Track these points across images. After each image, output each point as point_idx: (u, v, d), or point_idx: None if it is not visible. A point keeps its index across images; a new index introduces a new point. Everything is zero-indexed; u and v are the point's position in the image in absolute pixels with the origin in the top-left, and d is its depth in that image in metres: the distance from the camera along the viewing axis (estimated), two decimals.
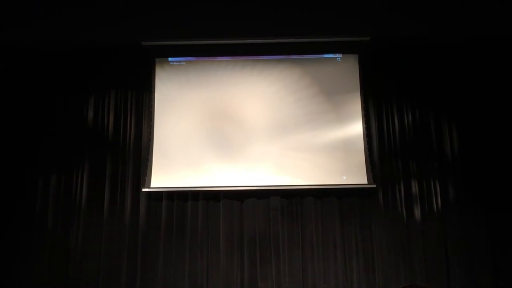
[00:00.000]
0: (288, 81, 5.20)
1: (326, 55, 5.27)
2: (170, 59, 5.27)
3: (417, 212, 4.92)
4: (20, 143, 5.06)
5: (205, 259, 4.83)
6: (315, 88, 5.19)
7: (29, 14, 4.56)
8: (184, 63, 5.28)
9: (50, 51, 5.20)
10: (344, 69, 5.23)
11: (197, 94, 5.18)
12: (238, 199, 4.98)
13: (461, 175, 4.97)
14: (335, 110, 5.14)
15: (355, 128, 5.09)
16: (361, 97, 5.13)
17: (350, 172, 4.98)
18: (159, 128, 5.10)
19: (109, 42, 5.04)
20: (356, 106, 5.13)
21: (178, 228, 4.93)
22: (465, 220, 4.86)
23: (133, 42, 5.07)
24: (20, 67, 5.17)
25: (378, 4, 4.60)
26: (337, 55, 5.27)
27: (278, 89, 5.18)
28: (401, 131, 5.13)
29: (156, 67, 5.24)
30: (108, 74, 5.25)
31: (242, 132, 5.10)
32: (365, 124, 5.09)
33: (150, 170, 4.99)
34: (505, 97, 5.05)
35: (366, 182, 4.93)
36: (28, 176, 5.03)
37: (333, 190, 4.96)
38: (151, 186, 4.95)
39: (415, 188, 4.98)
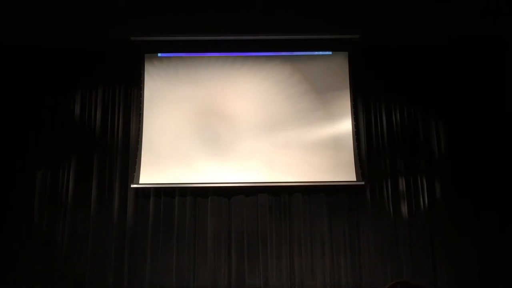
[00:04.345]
0: (278, 78, 5.20)
1: (316, 52, 5.27)
2: (159, 54, 5.25)
3: (404, 209, 4.95)
4: (7, 139, 5.01)
5: (193, 255, 4.83)
6: (305, 85, 5.19)
7: (16, 10, 4.51)
8: (174, 58, 5.25)
9: (38, 47, 5.15)
10: (334, 67, 5.24)
11: (187, 90, 5.16)
12: (226, 195, 4.97)
13: (448, 172, 5.01)
14: (325, 108, 5.15)
15: (345, 126, 5.10)
16: (350, 95, 5.15)
17: (339, 169, 4.99)
18: (148, 124, 5.07)
19: (98, 37, 5.01)
20: (345, 103, 5.14)
21: (165, 225, 4.91)
22: (452, 217, 4.89)
23: (122, 37, 5.04)
24: (6, 63, 5.11)
25: (368, 2, 4.61)
26: (327, 53, 5.27)
27: (268, 86, 5.18)
28: (389, 128, 5.15)
29: (145, 62, 5.21)
30: (96, 69, 5.21)
31: (232, 128, 5.09)
32: (354, 121, 5.10)
33: (138, 166, 4.97)
34: (492, 96, 5.09)
35: (355, 179, 4.95)
36: (15, 172, 4.98)
37: (321, 187, 4.97)
38: (140, 182, 4.92)
39: (402, 185, 5.01)
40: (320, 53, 5.27)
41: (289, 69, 5.21)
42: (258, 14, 4.72)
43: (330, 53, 5.27)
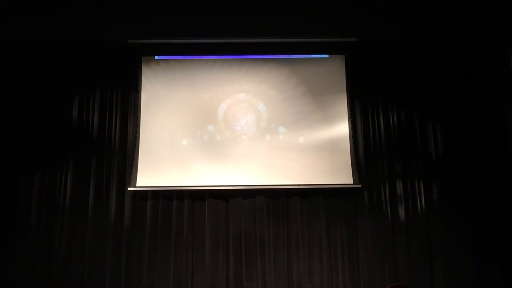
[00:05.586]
0: (275, 81, 5.21)
1: (313, 56, 5.29)
2: (156, 57, 5.26)
3: (402, 212, 4.96)
4: (4, 141, 5.00)
5: (190, 259, 4.83)
6: (302, 88, 5.21)
7: (13, 12, 4.50)
8: (171, 61, 5.25)
9: (35, 49, 5.13)
10: (331, 70, 5.26)
11: (184, 93, 5.17)
12: (224, 198, 4.97)
13: (445, 175, 5.02)
14: (322, 110, 5.17)
15: (341, 128, 5.11)
16: (347, 98, 5.17)
17: (336, 172, 5.00)
18: (145, 127, 5.08)
19: (95, 40, 4.98)
20: (342, 106, 5.16)
21: (163, 228, 4.91)
22: (449, 220, 4.91)
23: (119, 40, 5.03)
24: (4, 64, 5.08)
25: (365, 5, 4.63)
26: (324, 56, 5.29)
27: (266, 89, 5.19)
28: (386, 131, 5.16)
29: (142, 65, 5.22)
30: (94, 72, 5.21)
31: (229, 131, 5.10)
32: (351, 124, 5.11)
33: (135, 169, 4.96)
34: (489, 98, 5.10)
35: (352, 182, 4.95)
36: (12, 174, 4.97)
37: (318, 190, 4.98)
38: (137, 185, 4.92)
39: (400, 188, 5.02)
40: (317, 56, 5.29)
41: (286, 72, 5.23)
42: (255, 17, 4.72)
43: (327, 56, 5.29)
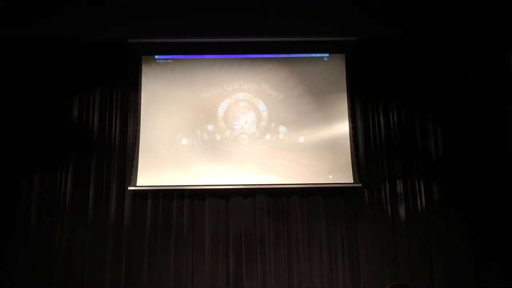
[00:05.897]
0: (275, 80, 5.21)
1: (313, 55, 5.29)
2: (157, 56, 5.26)
3: (402, 211, 4.96)
4: (4, 142, 5.00)
5: (191, 258, 4.83)
6: (302, 87, 5.20)
7: (13, 12, 4.50)
8: (171, 61, 5.26)
9: (35, 49, 5.13)
10: (331, 69, 5.26)
11: (184, 92, 5.18)
12: (224, 198, 4.97)
13: (445, 175, 5.03)
14: (322, 110, 5.16)
15: (342, 128, 5.11)
16: (347, 97, 5.17)
17: (336, 171, 5.01)
18: (145, 126, 5.08)
19: (95, 40, 4.99)
20: (342, 105, 5.16)
21: (163, 227, 4.91)
22: (449, 219, 4.91)
23: (119, 40, 5.02)
24: (4, 65, 5.08)
25: (365, 5, 4.63)
26: (324, 55, 5.29)
27: (266, 88, 5.19)
28: (387, 130, 5.16)
29: (142, 65, 5.22)
30: (93, 72, 5.20)
31: (229, 131, 5.11)
32: (351, 123, 5.11)
33: (136, 168, 4.96)
34: (489, 98, 5.10)
35: (352, 181, 4.96)
36: (12, 175, 4.96)
37: (319, 189, 4.98)
38: (137, 185, 4.92)
39: (400, 187, 5.02)
40: (317, 55, 5.29)
41: (286, 71, 5.23)
42: (255, 17, 4.72)
43: (327, 55, 5.28)
